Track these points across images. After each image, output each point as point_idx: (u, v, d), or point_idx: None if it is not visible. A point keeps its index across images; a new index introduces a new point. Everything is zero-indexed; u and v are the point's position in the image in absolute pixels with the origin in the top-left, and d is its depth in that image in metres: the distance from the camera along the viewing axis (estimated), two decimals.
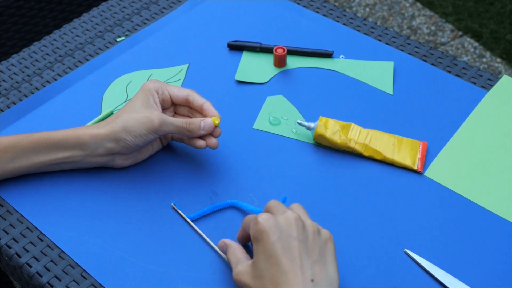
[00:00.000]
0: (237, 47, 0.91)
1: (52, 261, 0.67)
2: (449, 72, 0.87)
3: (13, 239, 0.69)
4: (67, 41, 0.94)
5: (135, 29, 0.95)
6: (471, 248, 0.67)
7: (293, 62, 0.89)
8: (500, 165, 0.75)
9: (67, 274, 0.65)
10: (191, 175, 0.74)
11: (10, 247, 0.68)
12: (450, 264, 0.65)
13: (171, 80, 0.86)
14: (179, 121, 0.70)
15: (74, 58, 0.91)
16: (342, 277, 0.64)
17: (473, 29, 2.06)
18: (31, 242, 0.68)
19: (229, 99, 0.84)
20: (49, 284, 0.65)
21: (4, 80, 0.88)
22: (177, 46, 0.92)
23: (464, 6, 2.14)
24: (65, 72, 0.89)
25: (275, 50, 0.87)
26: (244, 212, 0.70)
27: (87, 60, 0.90)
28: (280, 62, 0.88)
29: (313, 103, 0.83)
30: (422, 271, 0.65)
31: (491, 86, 0.85)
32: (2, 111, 0.83)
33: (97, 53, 0.91)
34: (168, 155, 0.77)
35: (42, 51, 0.92)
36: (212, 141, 0.71)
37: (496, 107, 0.82)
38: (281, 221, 0.57)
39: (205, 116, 0.72)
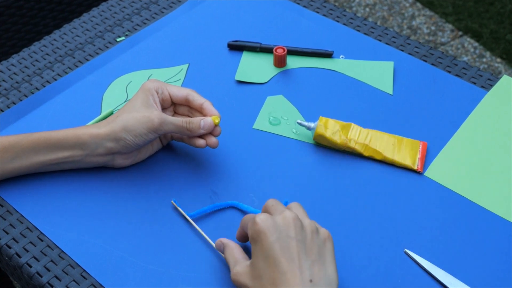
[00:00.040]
0: (237, 47, 0.91)
1: (52, 261, 0.67)
2: (449, 72, 0.87)
3: (13, 239, 0.69)
4: (67, 41, 0.94)
5: (135, 29, 0.95)
6: (471, 248, 0.67)
7: (293, 62, 0.89)
8: (500, 165, 0.75)
9: (67, 274, 0.65)
10: (191, 174, 0.74)
11: (10, 247, 0.68)
12: (450, 264, 0.65)
13: (171, 80, 0.86)
14: (179, 120, 0.70)
15: (74, 58, 0.91)
16: (342, 277, 0.64)
17: (473, 29, 2.06)
18: (31, 242, 0.68)
19: (229, 99, 0.84)
20: (49, 284, 0.65)
21: (4, 80, 0.88)
22: (177, 46, 0.92)
23: (464, 6, 2.14)
24: (65, 72, 0.89)
25: (275, 50, 0.87)
26: (244, 213, 0.70)
27: (87, 60, 0.90)
28: (280, 62, 0.88)
29: (313, 103, 0.83)
30: (422, 271, 0.65)
31: (491, 86, 0.85)
32: (2, 111, 0.83)
33: (97, 53, 0.91)
34: (168, 154, 0.77)
35: (42, 51, 0.92)
36: (212, 140, 0.71)
37: (496, 107, 0.82)
38: (279, 221, 0.57)
39: (205, 115, 0.72)
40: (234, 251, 0.62)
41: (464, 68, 0.88)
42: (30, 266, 0.66)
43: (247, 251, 0.65)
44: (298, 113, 0.82)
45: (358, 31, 0.94)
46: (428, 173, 0.74)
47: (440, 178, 0.74)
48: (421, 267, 0.65)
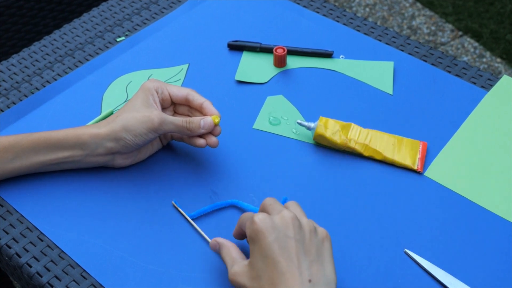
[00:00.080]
0: (237, 47, 0.91)
1: (52, 261, 0.67)
2: (449, 72, 0.87)
3: (13, 239, 0.69)
4: (67, 41, 0.94)
5: (135, 29, 0.95)
6: (471, 248, 0.67)
7: (293, 62, 0.89)
8: (500, 165, 0.75)
9: (67, 274, 0.65)
10: (191, 174, 0.74)
11: (10, 247, 0.68)
12: (450, 264, 0.65)
13: (171, 80, 0.86)
14: (179, 120, 0.70)
15: (74, 58, 0.91)
16: (342, 277, 0.64)
17: (473, 29, 2.06)
18: (31, 242, 0.68)
19: (229, 99, 0.84)
20: (49, 284, 0.65)
21: (4, 80, 0.88)
22: (177, 46, 0.92)
23: (464, 6, 2.14)
24: (65, 72, 0.89)
25: (275, 50, 0.87)
26: (244, 211, 0.70)
27: (87, 60, 0.90)
28: (280, 62, 0.88)
29: (313, 103, 0.83)
30: (422, 271, 0.65)
31: (491, 86, 0.85)
32: (2, 111, 0.83)
33: (97, 53, 0.91)
34: (168, 154, 0.77)
35: (42, 51, 0.92)
36: (212, 139, 0.71)
37: (496, 107, 0.82)
38: (277, 221, 0.57)
39: (204, 115, 0.72)
40: (231, 250, 0.62)
41: (464, 68, 0.88)
42: (30, 266, 0.66)
43: (243, 249, 0.65)
44: (298, 113, 0.82)
45: (358, 31, 0.94)
46: (428, 173, 0.74)
47: (440, 178, 0.74)
48: (421, 267, 0.65)
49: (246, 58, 0.90)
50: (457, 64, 0.88)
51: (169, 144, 0.78)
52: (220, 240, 0.63)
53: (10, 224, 0.70)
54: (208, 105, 0.72)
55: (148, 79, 0.79)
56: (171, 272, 0.65)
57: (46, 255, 0.67)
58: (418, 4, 2.18)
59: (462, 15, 2.11)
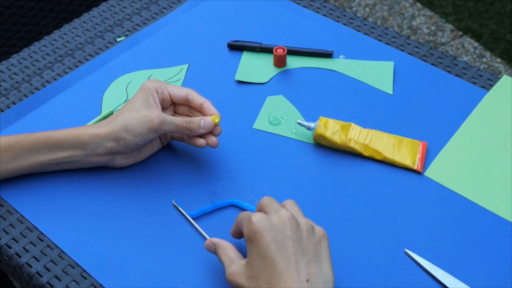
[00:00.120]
0: (237, 47, 0.91)
1: (52, 261, 0.67)
2: (449, 72, 0.87)
3: (13, 239, 0.69)
4: (67, 41, 0.94)
5: (135, 29, 0.95)
6: (471, 248, 0.67)
7: (293, 62, 0.89)
8: (500, 165, 0.75)
9: (67, 274, 0.65)
10: (191, 174, 0.74)
11: (10, 247, 0.68)
12: (450, 264, 0.65)
13: (171, 80, 0.86)
14: (179, 120, 0.70)
15: (74, 58, 0.91)
16: (342, 277, 0.64)
17: (473, 29, 2.06)
18: (31, 242, 0.68)
19: (229, 99, 0.84)
20: (49, 284, 0.65)
21: (4, 80, 0.88)
22: (177, 46, 0.92)
23: (464, 6, 2.14)
24: (65, 72, 0.89)
25: (275, 50, 0.87)
26: (244, 211, 0.70)
27: (87, 60, 0.90)
28: (280, 62, 0.88)
29: (313, 103, 0.83)
30: (422, 271, 0.65)
31: (491, 86, 0.85)
32: (2, 111, 0.83)
33: (97, 53, 0.91)
34: (168, 154, 0.77)
35: (42, 51, 0.92)
36: (213, 139, 0.71)
37: (496, 107, 0.82)
38: (275, 221, 0.57)
39: (204, 115, 0.72)
40: (228, 250, 0.62)
41: (464, 68, 0.88)
42: (30, 266, 0.66)
43: (241, 248, 0.65)
44: (298, 113, 0.82)
45: (358, 31, 0.94)
46: (428, 173, 0.74)
47: (440, 178, 0.74)
48: (421, 267, 0.65)
49: (246, 58, 0.90)
50: (457, 64, 0.88)
51: (169, 144, 0.78)
52: (216, 240, 0.63)
53: (10, 224, 0.70)
54: (208, 105, 0.72)
55: (148, 79, 0.79)
56: (171, 272, 0.65)
57: (46, 255, 0.67)
58: (418, 4, 2.18)
59: (462, 15, 2.11)
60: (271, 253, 0.55)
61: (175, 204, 0.71)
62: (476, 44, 2.02)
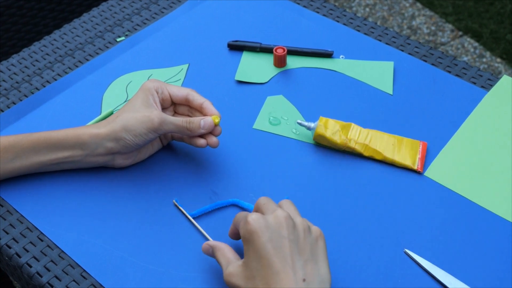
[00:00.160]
0: (237, 47, 0.91)
1: (52, 261, 0.67)
2: (449, 72, 0.87)
3: (13, 239, 0.69)
4: (67, 41, 0.94)
5: (135, 29, 0.95)
6: (471, 248, 0.67)
7: (293, 62, 0.89)
8: (500, 165, 0.75)
9: (67, 274, 0.65)
10: (191, 174, 0.74)
11: (10, 247, 0.68)
12: (450, 264, 0.65)
13: (171, 80, 0.86)
14: (179, 120, 0.70)
15: (74, 58, 0.91)
16: (342, 277, 0.64)
17: (473, 29, 2.06)
18: (31, 242, 0.68)
19: (229, 99, 0.84)
20: (49, 284, 0.65)
21: (4, 80, 0.88)
22: (177, 46, 0.92)
23: (464, 6, 2.14)
24: (65, 72, 0.89)
25: (275, 50, 0.87)
26: (245, 210, 0.70)
27: (87, 60, 0.90)
28: (280, 62, 0.88)
29: (313, 103, 0.83)
30: (422, 271, 0.65)
31: (491, 86, 0.85)
32: (2, 111, 0.83)
33: (97, 53, 0.91)
34: (168, 154, 0.77)
35: (42, 51, 0.92)
36: (213, 139, 0.71)
37: (496, 107, 0.82)
38: (271, 221, 0.57)
39: (205, 115, 0.72)
40: (225, 251, 0.62)
41: (464, 68, 0.88)
42: (30, 266, 0.66)
43: (239, 249, 0.65)
44: (298, 113, 0.82)
45: (358, 31, 0.94)
46: (428, 173, 0.74)
47: (440, 178, 0.74)
48: (421, 267, 0.65)
49: (246, 58, 0.90)
50: (457, 64, 0.88)
51: (169, 144, 0.78)
52: (212, 242, 0.63)
53: (10, 224, 0.70)
54: (208, 105, 0.72)
55: (148, 79, 0.79)
56: (171, 272, 0.65)
57: (46, 255, 0.67)
58: (418, 4, 2.18)
59: (462, 15, 2.11)
60: (268, 253, 0.55)
61: (176, 203, 0.71)
62: (476, 44, 2.02)
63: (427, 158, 0.76)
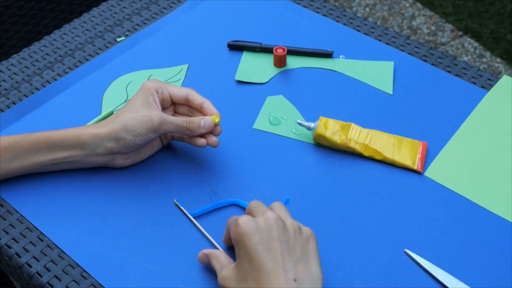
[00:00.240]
0: (237, 47, 0.91)
1: (52, 261, 0.67)
2: (449, 72, 0.87)
3: (13, 239, 0.69)
4: (67, 41, 0.94)
5: (135, 29, 0.95)
6: (471, 248, 0.67)
7: (293, 62, 0.89)
8: (500, 165, 0.75)
9: (67, 274, 0.65)
10: (191, 174, 0.74)
11: (10, 247, 0.68)
12: (450, 264, 0.65)
13: (171, 80, 0.86)
14: (179, 120, 0.70)
15: (74, 58, 0.91)
16: (342, 277, 0.64)
17: (473, 29, 2.06)
18: (31, 242, 0.68)
19: (229, 99, 0.84)
20: (49, 284, 0.65)
21: (4, 80, 0.88)
22: (177, 46, 0.92)
23: (464, 6, 2.14)
24: (65, 72, 0.89)
25: (275, 50, 0.87)
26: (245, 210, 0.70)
27: (87, 60, 0.90)
28: (280, 62, 0.88)
29: (313, 103, 0.83)
30: (422, 271, 0.65)
31: (491, 86, 0.85)
32: (2, 111, 0.83)
33: (97, 53, 0.91)
34: (168, 154, 0.77)
35: (42, 51, 0.92)
36: (213, 139, 0.71)
37: (496, 107, 0.82)
38: (261, 223, 0.57)
39: (205, 114, 0.72)
40: (219, 257, 0.62)
41: (464, 68, 0.88)
42: (30, 266, 0.66)
43: (234, 256, 0.65)
44: (298, 113, 0.82)
45: (358, 31, 0.94)
46: (428, 173, 0.74)
47: (440, 178, 0.74)
48: (421, 267, 0.65)
49: (246, 58, 0.90)
50: (457, 64, 0.88)
51: (169, 144, 0.78)
52: (207, 251, 0.64)
53: (10, 224, 0.70)
54: (208, 105, 0.72)
55: (148, 79, 0.79)
56: (171, 272, 0.65)
57: (46, 255, 0.67)
58: (418, 4, 2.18)
59: (462, 15, 2.11)
60: (258, 254, 0.56)
61: (177, 203, 0.71)
62: (476, 44, 2.02)
63: (427, 158, 0.76)
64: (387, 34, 0.93)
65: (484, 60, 1.97)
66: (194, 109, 0.74)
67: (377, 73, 0.87)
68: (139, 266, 0.65)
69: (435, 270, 0.65)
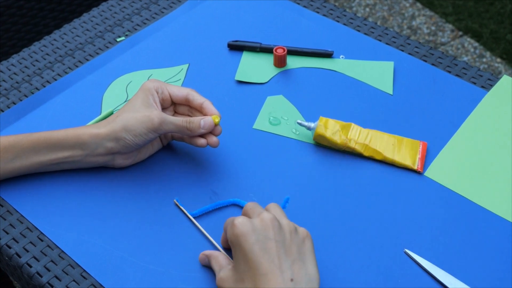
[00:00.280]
0: (237, 47, 0.91)
1: (52, 261, 0.67)
2: (449, 72, 0.87)
3: (13, 239, 0.69)
4: (67, 41, 0.94)
5: (135, 29, 0.95)
6: (471, 248, 0.67)
7: (293, 62, 0.89)
8: (500, 165, 0.75)
9: (67, 274, 0.65)
10: (191, 174, 0.74)
11: (10, 247, 0.68)
12: (450, 264, 0.65)
13: (171, 80, 0.86)
14: (179, 120, 0.70)
15: (74, 58, 0.91)
16: (342, 277, 0.64)
17: (473, 29, 2.06)
18: (31, 242, 0.68)
19: (229, 99, 0.84)
20: (49, 284, 0.65)
21: (4, 80, 0.88)
22: (177, 46, 0.92)
23: (464, 6, 2.14)
24: (65, 72, 0.89)
25: (275, 50, 0.87)
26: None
27: (87, 60, 0.90)
28: (280, 62, 0.88)
29: (313, 103, 0.83)
30: (422, 271, 0.65)
31: (491, 86, 0.85)
32: (2, 111, 0.83)
33: (97, 53, 0.91)
34: (168, 154, 0.77)
35: (42, 51, 0.92)
36: (213, 139, 0.72)
37: (496, 107, 0.82)
38: (257, 224, 0.58)
39: (205, 114, 0.72)
40: (218, 258, 0.63)
41: (464, 68, 0.88)
42: (30, 266, 0.66)
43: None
44: (298, 113, 0.82)
45: (358, 31, 0.94)
46: (428, 173, 0.74)
47: (440, 178, 0.74)
48: (421, 267, 0.65)
49: (246, 58, 0.90)
50: (457, 64, 0.88)
51: (169, 144, 0.78)
52: (208, 252, 0.64)
53: (10, 224, 0.70)
54: (208, 105, 0.72)
55: (148, 79, 0.79)
56: (171, 272, 0.65)
57: (46, 255, 0.67)
58: (418, 4, 2.18)
59: (462, 15, 2.11)
60: (255, 255, 0.56)
61: (177, 203, 0.71)
62: (476, 44, 2.02)
63: (427, 158, 0.76)
64: (387, 34, 0.93)
65: (484, 60, 1.97)
66: (194, 109, 0.74)
67: (377, 73, 0.87)
68: (139, 266, 0.65)
69: (435, 270, 0.65)
